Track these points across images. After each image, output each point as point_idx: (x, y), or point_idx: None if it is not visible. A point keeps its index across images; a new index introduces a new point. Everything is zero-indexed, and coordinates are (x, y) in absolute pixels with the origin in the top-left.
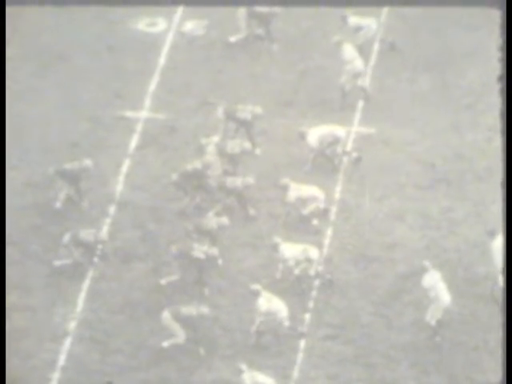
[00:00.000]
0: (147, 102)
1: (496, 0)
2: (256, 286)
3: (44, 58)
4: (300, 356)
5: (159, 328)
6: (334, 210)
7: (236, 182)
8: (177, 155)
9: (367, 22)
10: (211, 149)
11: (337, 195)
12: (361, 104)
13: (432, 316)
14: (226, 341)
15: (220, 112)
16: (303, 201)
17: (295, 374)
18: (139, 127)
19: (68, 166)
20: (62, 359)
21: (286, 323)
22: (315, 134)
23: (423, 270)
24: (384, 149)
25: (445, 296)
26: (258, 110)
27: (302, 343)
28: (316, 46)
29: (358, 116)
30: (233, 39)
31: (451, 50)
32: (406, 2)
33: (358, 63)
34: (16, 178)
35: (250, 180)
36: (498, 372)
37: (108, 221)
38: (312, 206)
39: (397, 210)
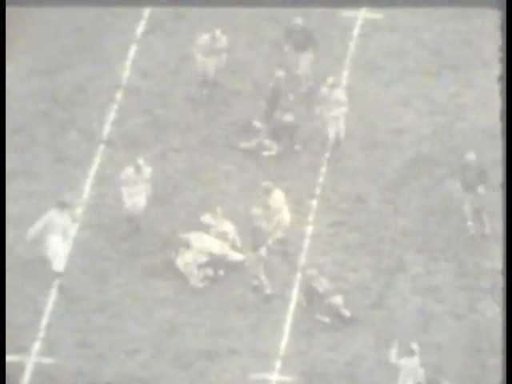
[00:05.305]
0: None
1: (496, 0)
2: None
3: None
4: (307, 242)
5: (167, 214)
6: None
7: None
8: (183, 41)
9: None
10: None
11: (344, 81)
12: None
13: None
14: None
15: None
16: None
17: (302, 260)
18: (146, 13)
19: None
20: (68, 245)
21: None
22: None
23: None
24: (391, 34)
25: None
26: None
27: (309, 230)
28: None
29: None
30: None
31: None
32: (406, 2)
33: None
34: (22, 64)
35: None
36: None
37: (115, 107)
38: None
39: (404, 95)
